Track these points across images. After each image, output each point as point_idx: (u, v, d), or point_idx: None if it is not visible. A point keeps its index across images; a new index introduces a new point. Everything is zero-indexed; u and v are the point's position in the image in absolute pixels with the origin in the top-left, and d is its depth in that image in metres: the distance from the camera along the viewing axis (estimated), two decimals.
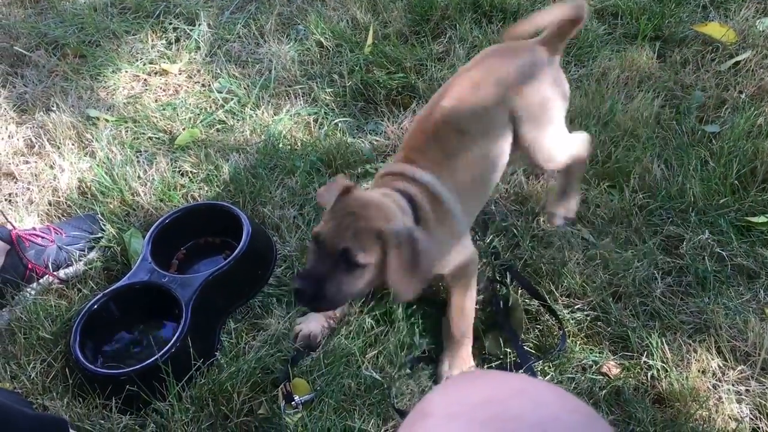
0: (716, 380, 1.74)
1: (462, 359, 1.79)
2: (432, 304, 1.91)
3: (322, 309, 1.69)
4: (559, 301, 1.91)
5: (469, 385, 0.69)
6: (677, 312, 1.89)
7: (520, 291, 1.94)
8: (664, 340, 1.81)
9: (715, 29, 2.70)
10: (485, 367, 1.79)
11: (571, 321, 1.87)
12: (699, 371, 1.75)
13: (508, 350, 1.81)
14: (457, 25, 2.83)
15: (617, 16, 2.83)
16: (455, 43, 2.74)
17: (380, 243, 1.48)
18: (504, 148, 1.81)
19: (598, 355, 1.80)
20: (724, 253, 1.99)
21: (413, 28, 2.85)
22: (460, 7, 2.88)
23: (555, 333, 1.85)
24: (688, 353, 1.78)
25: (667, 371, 1.74)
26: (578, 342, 1.84)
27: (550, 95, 1.84)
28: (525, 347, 1.82)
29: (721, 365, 1.77)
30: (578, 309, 1.90)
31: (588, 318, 1.88)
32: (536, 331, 1.87)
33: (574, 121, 2.38)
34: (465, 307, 1.79)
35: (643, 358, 1.78)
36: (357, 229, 1.48)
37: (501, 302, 1.90)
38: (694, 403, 1.67)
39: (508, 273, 1.99)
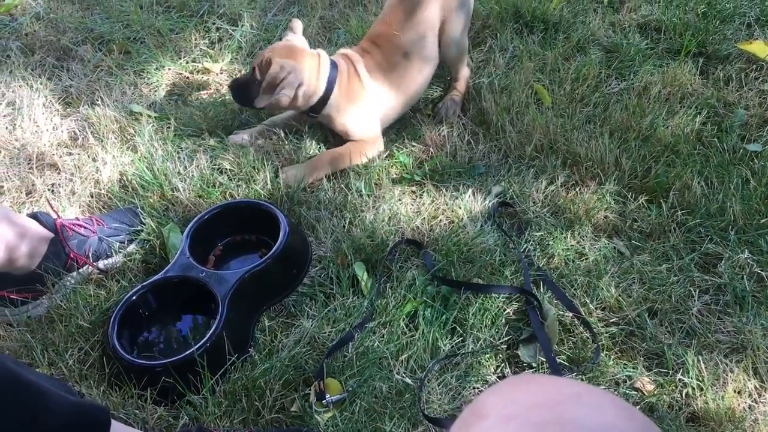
0: (752, 401, 1.72)
1: (314, 168, 2.30)
2: (461, 309, 1.90)
3: (241, 103, 2.38)
4: (594, 314, 1.90)
5: (523, 387, 0.69)
6: (714, 331, 1.87)
7: (554, 302, 1.94)
8: (700, 358, 1.79)
9: (759, 48, 2.67)
10: None
11: (606, 335, 1.86)
12: (735, 391, 1.73)
13: (543, 360, 1.81)
14: (498, 35, 2.83)
15: (660, 31, 2.82)
16: (495, 52, 2.74)
17: (267, 67, 2.21)
18: (431, 69, 2.49)
19: (632, 370, 1.78)
20: (763, 274, 1.97)
21: None
22: (502, 17, 2.88)
23: (589, 346, 1.83)
24: (725, 373, 1.76)
25: (702, 390, 1.72)
26: (612, 356, 1.82)
27: (466, 11, 2.50)
28: (558, 359, 1.81)
29: (758, 386, 1.74)
30: (613, 323, 1.88)
31: (623, 332, 1.86)
32: (570, 343, 1.86)
33: (613, 134, 2.38)
34: (344, 153, 2.33)
35: (678, 376, 1.76)
36: (264, 58, 2.23)
37: (537, 312, 1.89)
38: (729, 423, 1.65)
39: (543, 283, 1.98)
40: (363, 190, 2.24)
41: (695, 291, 1.96)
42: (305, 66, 2.25)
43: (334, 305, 1.94)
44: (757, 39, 2.73)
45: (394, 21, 2.40)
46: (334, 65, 2.32)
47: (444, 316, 1.90)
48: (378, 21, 2.49)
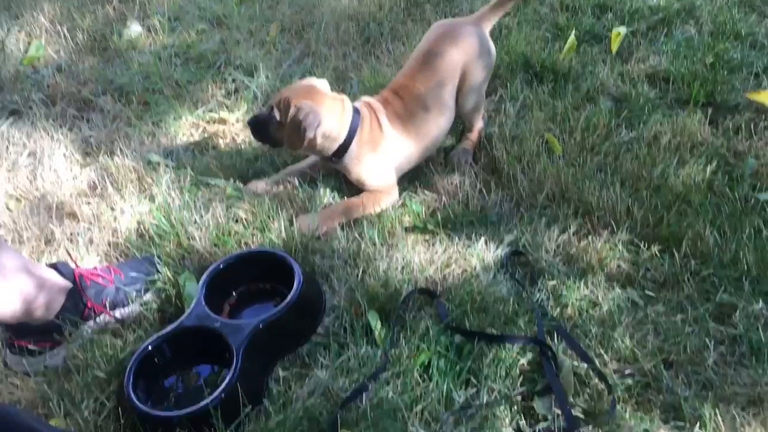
0: None
1: (328, 217, 2.34)
2: (475, 360, 1.90)
3: (261, 141, 2.42)
4: (609, 365, 1.89)
5: None
6: (730, 382, 1.85)
7: (569, 352, 1.93)
8: (716, 411, 1.78)
9: None
10: (534, 429, 1.77)
11: (621, 386, 1.85)
12: None
13: (558, 412, 1.79)
14: (508, 85, 2.88)
15: (668, 81, 2.86)
16: (506, 102, 2.79)
17: (287, 107, 2.25)
18: (448, 122, 2.53)
19: (648, 423, 1.77)
20: None
21: None
22: (512, 67, 2.94)
23: (605, 398, 1.82)
24: (742, 426, 1.74)
25: None
26: (628, 408, 1.81)
27: (486, 65, 2.56)
28: (573, 411, 1.80)
29: None
30: (628, 374, 1.87)
31: (638, 384, 1.85)
32: (585, 394, 1.85)
33: (625, 183, 2.40)
34: (359, 203, 2.36)
35: (696, 429, 1.74)
36: (282, 98, 2.28)
37: (551, 362, 1.89)
38: None
39: (556, 333, 1.98)
40: (376, 238, 2.26)
41: (711, 342, 1.95)
42: (325, 108, 2.28)
43: (347, 355, 1.94)
44: (765, 89, 2.77)
45: (416, 71, 2.45)
46: (356, 112, 2.36)
47: (458, 367, 1.90)
48: (400, 72, 2.53)
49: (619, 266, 2.17)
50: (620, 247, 2.21)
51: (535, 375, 1.89)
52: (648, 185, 2.38)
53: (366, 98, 2.47)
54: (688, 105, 2.72)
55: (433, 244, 2.28)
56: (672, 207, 2.30)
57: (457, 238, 2.29)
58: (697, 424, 1.75)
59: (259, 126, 2.34)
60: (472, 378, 1.88)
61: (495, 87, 2.89)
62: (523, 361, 1.92)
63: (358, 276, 2.14)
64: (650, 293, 2.09)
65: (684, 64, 2.88)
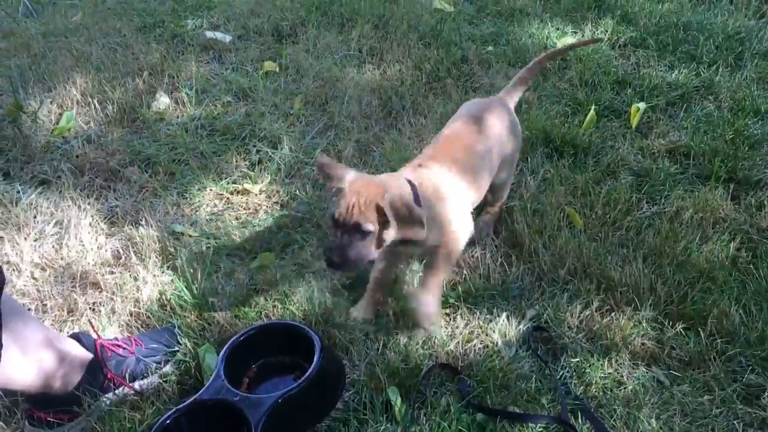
0: None
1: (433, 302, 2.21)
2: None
3: (349, 271, 2.25)
4: None
5: None
6: None
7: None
8: None
9: None
10: None
11: None
12: None
13: None
14: (529, 158, 2.91)
15: (689, 157, 2.87)
16: (527, 175, 2.81)
17: (380, 212, 1.95)
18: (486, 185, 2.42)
19: None
20: None
21: None
22: (532, 141, 2.97)
23: None
24: None
25: None
26: None
27: (517, 140, 2.55)
28: None
29: None
30: None
31: None
32: None
33: (647, 259, 2.38)
34: (439, 270, 2.21)
35: None
36: (361, 204, 1.95)
37: None
38: None
39: (581, 413, 1.94)
40: (397, 311, 2.25)
41: (739, 425, 1.90)
42: (396, 184, 2.05)
43: None
44: None
45: (467, 131, 2.36)
46: (411, 184, 2.12)
47: None
48: (437, 138, 2.38)
49: (643, 344, 2.13)
50: (644, 324, 2.18)
51: None
52: (671, 261, 2.36)
53: (405, 171, 2.22)
54: (710, 180, 2.73)
55: (454, 319, 2.26)
56: (696, 284, 2.28)
57: (478, 312, 2.27)
58: None
59: (343, 253, 1.96)
60: None
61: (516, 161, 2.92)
62: None
63: (378, 350, 2.12)
64: (676, 373, 2.05)
65: (704, 140, 2.89)
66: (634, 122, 3.06)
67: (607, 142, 2.99)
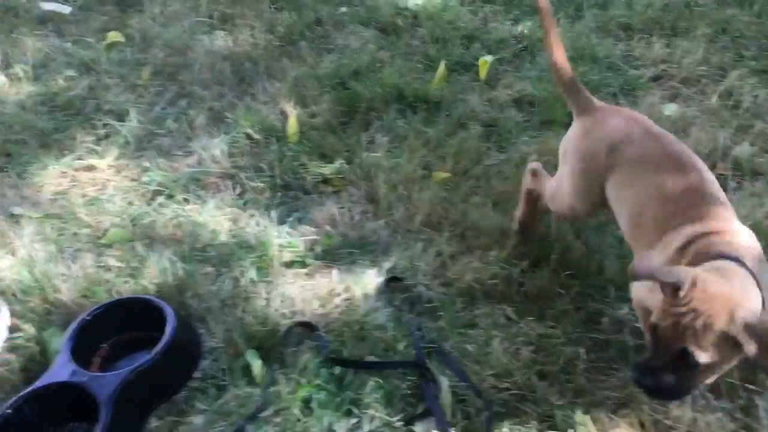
0: None
1: None
2: (356, 389, 1.90)
3: (665, 400, 1.76)
4: (486, 382, 1.93)
5: None
6: (601, 387, 1.93)
7: (448, 373, 1.95)
8: (589, 417, 1.84)
9: None
10: None
11: (498, 401, 1.88)
12: None
13: None
14: (384, 116, 2.93)
15: (533, 104, 2.99)
16: (381, 132, 2.84)
17: (724, 340, 1.45)
18: None
19: None
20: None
21: (341, 119, 2.94)
22: (386, 99, 2.99)
23: (483, 414, 1.85)
24: (612, 429, 1.81)
25: None
26: (505, 422, 1.84)
27: None
28: (453, 430, 1.81)
29: None
30: (504, 389, 1.91)
31: (514, 397, 1.89)
32: (464, 413, 1.87)
33: (496, 205, 2.47)
34: None
35: None
36: (698, 328, 1.45)
37: (431, 385, 1.90)
38: None
39: (436, 355, 2.00)
40: (255, 277, 2.23)
41: (582, 350, 2.02)
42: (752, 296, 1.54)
43: (226, 398, 1.90)
44: (622, 106, 2.93)
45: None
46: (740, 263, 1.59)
47: (339, 398, 1.88)
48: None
49: (495, 284, 2.22)
50: (495, 265, 2.26)
51: (416, 399, 1.90)
52: (517, 204, 2.46)
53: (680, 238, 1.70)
54: (553, 125, 2.85)
55: (313, 277, 2.27)
56: (542, 222, 2.39)
57: (337, 269, 2.29)
58: (571, 431, 1.80)
59: (663, 379, 1.55)
60: (354, 408, 1.87)
61: (371, 120, 2.94)
62: (403, 386, 1.93)
63: (236, 316, 2.10)
64: (525, 308, 2.15)
65: (546, 88, 3.01)
66: (483, 75, 3.15)
67: (458, 95, 3.05)
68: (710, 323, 1.44)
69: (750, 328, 1.41)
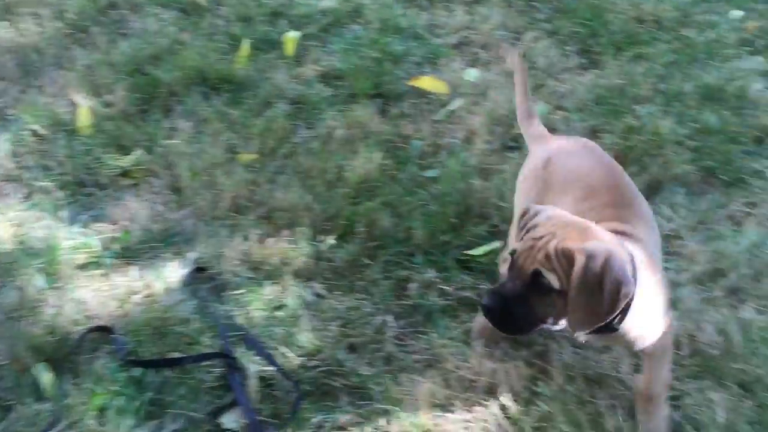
0: (447, 411, 1.79)
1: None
2: (157, 389, 1.80)
3: (510, 332, 1.57)
4: (294, 362, 1.89)
5: None
6: (410, 352, 1.95)
7: (256, 358, 1.90)
8: (397, 382, 1.85)
9: (428, 83, 2.91)
10: None
11: (307, 381, 1.85)
12: (430, 405, 1.79)
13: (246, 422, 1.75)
14: (186, 100, 2.80)
15: (340, 78, 2.96)
16: (183, 118, 2.71)
17: (570, 264, 1.38)
18: None
19: (335, 410, 1.79)
20: (448, 288, 2.10)
21: (140, 107, 2.78)
22: (186, 82, 2.86)
23: (292, 396, 1.81)
24: (419, 390, 1.83)
25: (399, 412, 1.77)
26: (315, 400, 1.82)
27: None
28: (262, 416, 1.77)
29: (450, 395, 1.83)
30: (313, 367, 1.89)
31: (324, 374, 1.87)
32: (273, 397, 1.82)
33: (303, 182, 2.43)
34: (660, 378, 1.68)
35: (378, 404, 1.80)
36: (549, 250, 1.40)
37: (235, 375, 1.84)
38: None
39: (244, 342, 1.94)
40: (43, 284, 2.06)
41: (390, 318, 2.03)
42: (621, 252, 1.45)
43: (12, 418, 1.74)
44: (425, 75, 2.97)
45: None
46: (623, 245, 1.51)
47: (138, 402, 1.78)
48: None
49: (303, 262, 2.18)
50: (302, 243, 2.23)
51: (222, 390, 1.84)
52: (325, 179, 2.44)
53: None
54: (359, 98, 2.84)
55: (110, 278, 2.13)
56: (348, 196, 2.37)
57: (138, 266, 2.16)
58: (380, 399, 1.81)
59: (512, 307, 1.45)
60: (156, 409, 1.78)
61: (171, 105, 2.80)
62: (209, 378, 1.86)
63: (20, 329, 1.93)
64: (334, 282, 2.13)
65: (353, 61, 3.00)
66: (290, 51, 3.08)
67: (264, 73, 2.98)
68: (562, 245, 1.39)
69: (591, 258, 1.36)
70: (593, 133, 2.63)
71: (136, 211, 2.34)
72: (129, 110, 2.75)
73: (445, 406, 1.80)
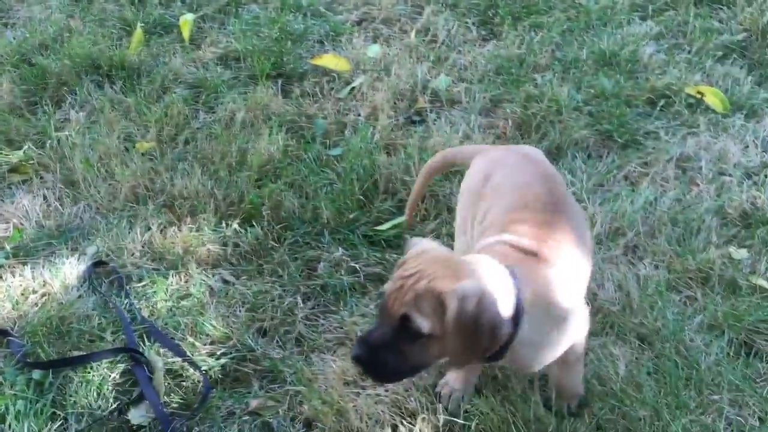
0: (359, 388, 1.79)
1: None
2: (59, 390, 1.73)
3: (385, 381, 1.49)
4: (202, 351, 1.85)
5: None
6: (321, 331, 1.94)
7: (162, 351, 1.85)
8: (308, 363, 1.84)
9: (330, 61, 2.88)
10: None
11: (217, 368, 1.82)
12: (343, 383, 1.79)
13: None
14: (77, 90, 2.69)
15: (240, 60, 2.90)
16: (74, 109, 2.60)
17: (442, 307, 1.27)
18: None
19: (246, 395, 1.77)
20: (356, 265, 2.09)
21: (28, 98, 2.65)
22: (77, 71, 2.74)
23: (201, 385, 1.78)
24: (331, 368, 1.82)
25: (311, 392, 1.76)
26: (227, 387, 1.79)
27: None
28: (171, 408, 1.73)
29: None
30: (223, 354, 1.85)
31: (234, 360, 1.84)
32: (182, 388, 1.78)
33: (205, 167, 2.38)
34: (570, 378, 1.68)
35: (290, 386, 1.78)
36: (418, 291, 1.29)
37: (144, 367, 1.79)
38: (337, 416, 1.70)
39: (149, 335, 1.89)
40: None
41: (300, 298, 2.01)
42: (488, 282, 1.35)
43: None
44: (327, 53, 2.94)
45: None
46: (512, 274, 1.39)
47: (39, 404, 1.71)
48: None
49: (208, 250, 2.14)
50: (206, 230, 2.18)
51: (129, 385, 1.78)
52: (228, 164, 2.38)
53: (490, 239, 1.53)
54: (260, 80, 2.78)
55: (3, 279, 2.03)
56: (252, 180, 2.33)
57: (33, 265, 2.07)
58: (291, 381, 1.79)
59: (383, 355, 1.33)
60: (59, 410, 1.71)
61: (62, 96, 2.68)
62: (114, 375, 1.80)
63: None
64: (241, 268, 2.10)
65: (251, 42, 2.94)
66: (186, 35, 2.99)
67: (160, 58, 2.88)
68: (432, 286, 1.29)
69: (463, 300, 1.26)
70: (494, 104, 2.68)
71: (28, 207, 2.24)
72: (16, 103, 2.63)
73: (357, 383, 1.80)
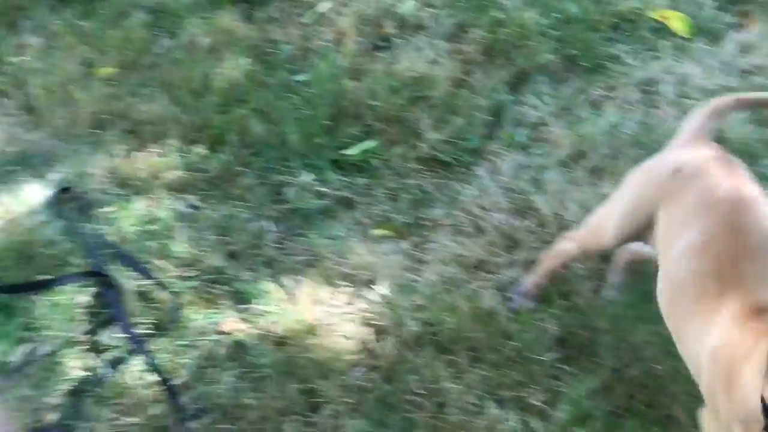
0: (329, 307, 1.83)
1: None
2: (28, 314, 1.74)
3: None
4: (172, 274, 1.87)
5: None
6: (290, 254, 1.96)
7: (131, 274, 1.86)
8: (279, 284, 1.86)
9: None
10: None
11: (187, 290, 1.84)
12: (313, 302, 1.82)
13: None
14: (33, 14, 2.60)
15: None
16: (31, 33, 2.52)
17: None
18: None
19: (215, 315, 1.79)
20: (324, 189, 2.10)
21: None
22: None
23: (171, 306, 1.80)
24: (300, 289, 1.85)
25: (281, 312, 1.79)
26: (197, 308, 1.81)
27: None
28: (144, 329, 1.75)
29: (332, 291, 1.86)
30: (192, 277, 1.87)
31: (204, 282, 1.86)
32: (154, 310, 1.80)
33: (170, 93, 2.34)
34: None
35: (260, 307, 1.81)
36: None
37: (110, 292, 1.80)
38: (308, 334, 1.74)
39: (117, 259, 1.89)
40: None
41: (269, 222, 2.02)
42: None
43: None
44: None
45: None
46: None
47: (7, 328, 1.71)
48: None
49: (174, 175, 2.12)
50: (172, 155, 2.16)
51: (100, 309, 1.80)
52: (191, 89, 2.35)
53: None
54: (223, 4, 2.71)
55: None
56: (217, 105, 2.30)
57: None
58: (262, 302, 1.82)
59: None
60: (27, 333, 1.72)
61: (17, 20, 2.58)
62: (84, 298, 1.81)
63: None
64: (208, 192, 2.09)
65: None
66: None
67: None
68: None
69: None
70: (461, 29, 2.65)
71: None
72: None
73: (327, 302, 1.83)
